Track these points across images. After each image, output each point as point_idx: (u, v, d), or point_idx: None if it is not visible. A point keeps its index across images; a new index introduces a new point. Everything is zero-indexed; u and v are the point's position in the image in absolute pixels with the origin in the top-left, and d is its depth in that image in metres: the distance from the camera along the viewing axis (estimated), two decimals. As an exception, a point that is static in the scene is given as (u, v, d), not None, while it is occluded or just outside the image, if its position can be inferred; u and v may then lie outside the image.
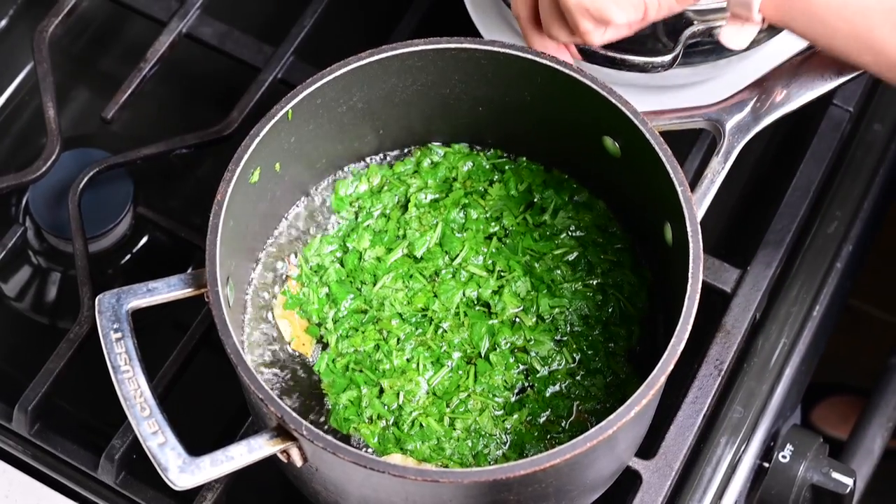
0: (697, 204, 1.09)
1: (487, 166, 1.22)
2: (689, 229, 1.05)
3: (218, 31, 1.35)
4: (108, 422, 1.19)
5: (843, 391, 1.91)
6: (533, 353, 1.15)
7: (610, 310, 1.16)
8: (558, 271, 1.17)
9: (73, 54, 1.43)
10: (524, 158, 1.22)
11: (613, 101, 1.09)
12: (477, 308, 1.17)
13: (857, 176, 1.30)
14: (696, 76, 1.24)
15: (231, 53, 1.35)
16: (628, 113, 1.09)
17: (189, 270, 1.12)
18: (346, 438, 1.13)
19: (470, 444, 1.12)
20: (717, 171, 1.11)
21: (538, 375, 1.14)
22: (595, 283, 1.17)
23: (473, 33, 1.28)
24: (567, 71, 1.11)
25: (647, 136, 1.08)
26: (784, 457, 1.19)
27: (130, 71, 1.32)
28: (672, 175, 1.07)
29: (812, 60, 1.14)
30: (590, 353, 1.15)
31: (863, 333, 1.92)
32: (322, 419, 1.14)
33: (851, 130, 1.31)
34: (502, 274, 1.17)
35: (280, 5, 1.44)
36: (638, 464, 1.15)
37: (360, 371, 1.15)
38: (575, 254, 1.18)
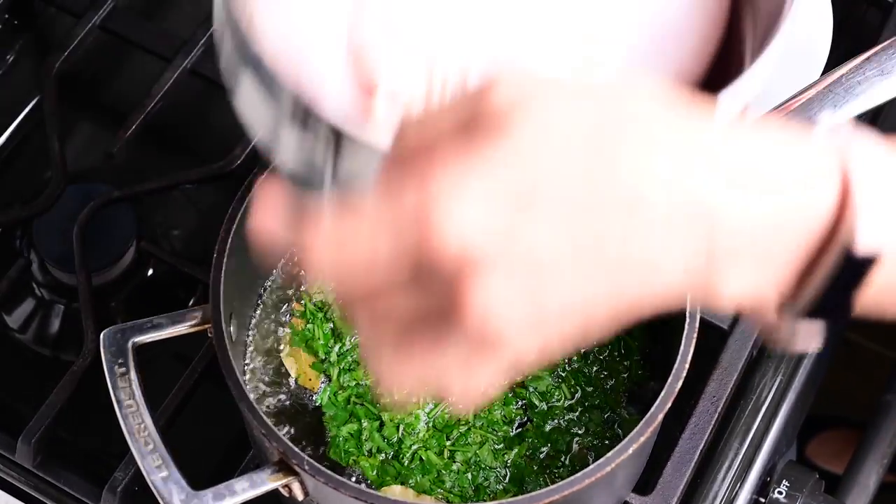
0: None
1: None
2: (686, 268, 1.06)
3: (222, 68, 1.37)
4: (111, 454, 1.20)
5: (839, 425, 1.91)
6: (532, 389, 1.16)
7: (609, 346, 1.17)
8: (557, 308, 1.18)
9: (78, 89, 1.44)
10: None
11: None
12: (477, 344, 1.18)
13: (852, 214, 1.31)
14: None
15: (235, 90, 1.36)
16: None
17: (191, 305, 1.13)
18: (344, 471, 1.14)
19: (470, 477, 1.13)
20: (715, 211, 1.12)
21: (537, 410, 1.15)
22: (594, 319, 1.18)
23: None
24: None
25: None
26: (780, 493, 1.20)
27: (135, 106, 1.33)
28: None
29: (808, 102, 1.15)
30: (588, 389, 1.16)
31: (859, 367, 1.93)
32: (322, 452, 1.15)
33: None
34: (502, 310, 1.18)
35: (283, 42, 1.45)
36: (635, 499, 1.15)
37: (361, 404, 1.16)
38: (574, 290, 1.19)
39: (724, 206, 0.65)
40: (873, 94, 1.04)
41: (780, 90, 1.11)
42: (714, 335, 1.23)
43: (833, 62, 1.25)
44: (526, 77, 0.65)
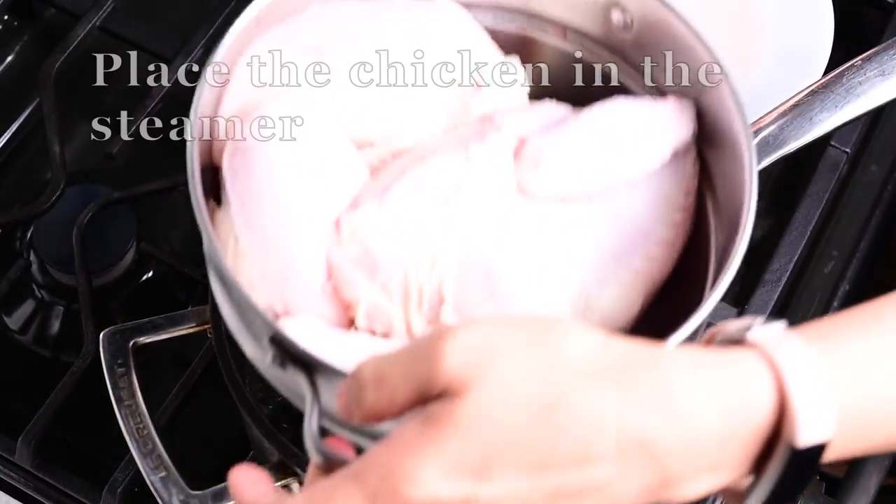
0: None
1: None
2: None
3: (221, 69, 1.36)
4: (111, 455, 1.19)
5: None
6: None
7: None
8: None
9: (78, 90, 1.44)
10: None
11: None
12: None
13: (853, 216, 1.31)
14: None
15: (234, 90, 1.36)
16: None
17: (191, 306, 1.12)
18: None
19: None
20: (715, 213, 1.12)
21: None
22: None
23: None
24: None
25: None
26: (780, 494, 1.19)
27: (135, 107, 1.33)
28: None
29: (808, 102, 1.15)
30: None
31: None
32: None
33: (848, 171, 1.32)
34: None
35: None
36: (636, 500, 1.15)
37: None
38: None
39: (671, 439, 0.72)
40: (874, 95, 1.04)
41: (780, 90, 1.11)
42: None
43: (833, 62, 1.25)
44: (475, 333, 0.72)
